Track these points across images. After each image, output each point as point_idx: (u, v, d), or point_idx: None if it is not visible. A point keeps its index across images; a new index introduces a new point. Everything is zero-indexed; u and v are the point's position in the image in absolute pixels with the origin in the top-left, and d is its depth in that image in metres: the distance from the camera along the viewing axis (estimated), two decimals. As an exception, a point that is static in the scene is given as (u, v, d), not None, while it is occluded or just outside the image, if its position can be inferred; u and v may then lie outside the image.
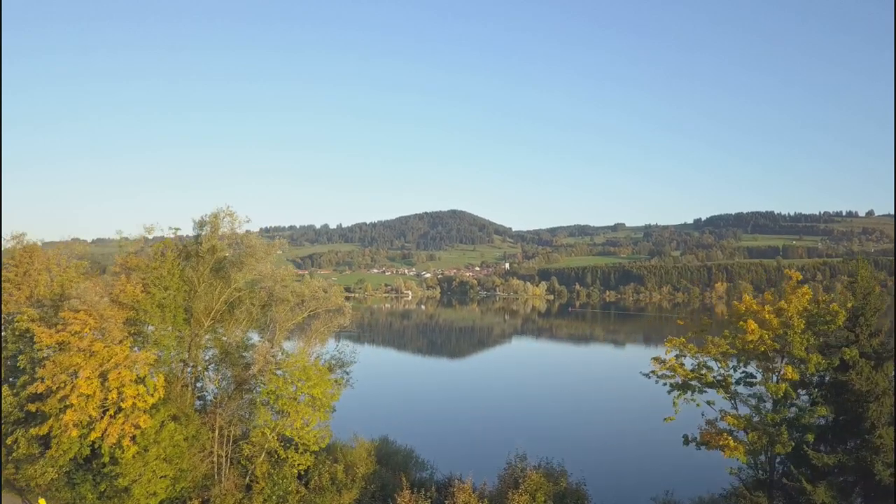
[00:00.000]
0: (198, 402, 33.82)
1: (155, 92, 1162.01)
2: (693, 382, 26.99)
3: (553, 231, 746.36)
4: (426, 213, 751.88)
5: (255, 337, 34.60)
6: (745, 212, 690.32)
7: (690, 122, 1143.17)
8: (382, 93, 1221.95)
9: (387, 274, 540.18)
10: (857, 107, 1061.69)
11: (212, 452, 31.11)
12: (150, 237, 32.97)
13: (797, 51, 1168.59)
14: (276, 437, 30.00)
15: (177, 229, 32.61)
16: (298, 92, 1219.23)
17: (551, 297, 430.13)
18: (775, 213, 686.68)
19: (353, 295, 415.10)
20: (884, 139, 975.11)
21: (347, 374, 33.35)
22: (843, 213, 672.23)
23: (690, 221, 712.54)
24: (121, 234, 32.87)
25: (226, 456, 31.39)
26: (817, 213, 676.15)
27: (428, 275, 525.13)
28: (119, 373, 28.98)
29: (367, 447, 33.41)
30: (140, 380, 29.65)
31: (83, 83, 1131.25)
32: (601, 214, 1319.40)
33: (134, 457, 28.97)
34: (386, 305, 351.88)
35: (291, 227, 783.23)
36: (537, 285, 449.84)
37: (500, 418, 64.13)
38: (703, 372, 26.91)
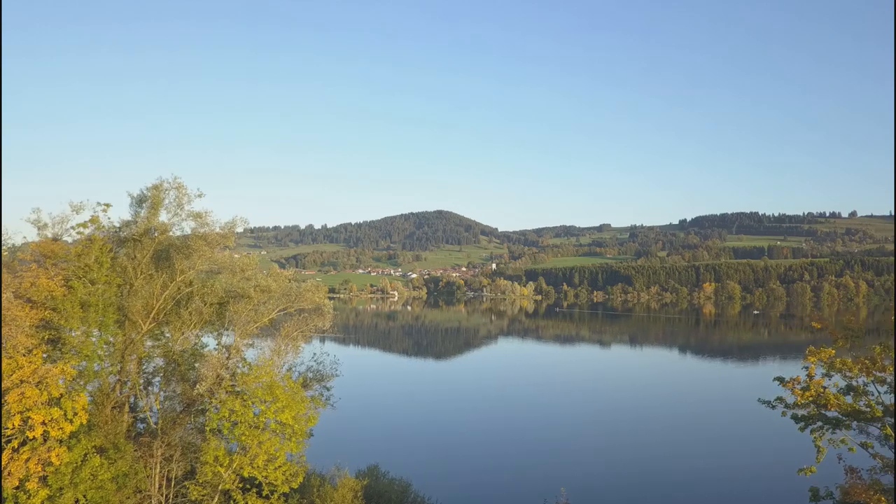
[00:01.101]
0: (136, 428, 26.52)
1: (137, 92, 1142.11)
2: (843, 417, 18.85)
3: (539, 232, 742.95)
4: (412, 213, 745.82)
5: (211, 343, 27.39)
6: (729, 212, 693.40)
7: (676, 123, 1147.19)
8: (368, 93, 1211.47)
9: (372, 274, 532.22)
10: (841, 108, 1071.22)
11: (149, 496, 23.82)
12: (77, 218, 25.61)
13: (783, 51, 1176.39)
14: (233, 477, 22.79)
15: (107, 206, 25.03)
16: (282, 92, 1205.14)
17: (539, 297, 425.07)
18: (760, 213, 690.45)
19: (338, 296, 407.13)
20: (867, 139, 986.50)
21: (328, 389, 26.40)
22: (827, 214, 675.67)
23: (676, 222, 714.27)
24: (37, 213, 25.33)
25: (167, 500, 24.12)
26: (801, 214, 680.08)
27: (414, 275, 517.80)
28: (23, 392, 21.86)
29: (351, 486, 26.19)
30: (55, 401, 22.51)
31: (71, 84, 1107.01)
32: (587, 215, 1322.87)
33: (43, 503, 21.89)
34: (371, 306, 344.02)
35: (276, 228, 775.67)
36: (525, 286, 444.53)
37: (500, 433, 57.40)
38: (862, 400, 18.96)
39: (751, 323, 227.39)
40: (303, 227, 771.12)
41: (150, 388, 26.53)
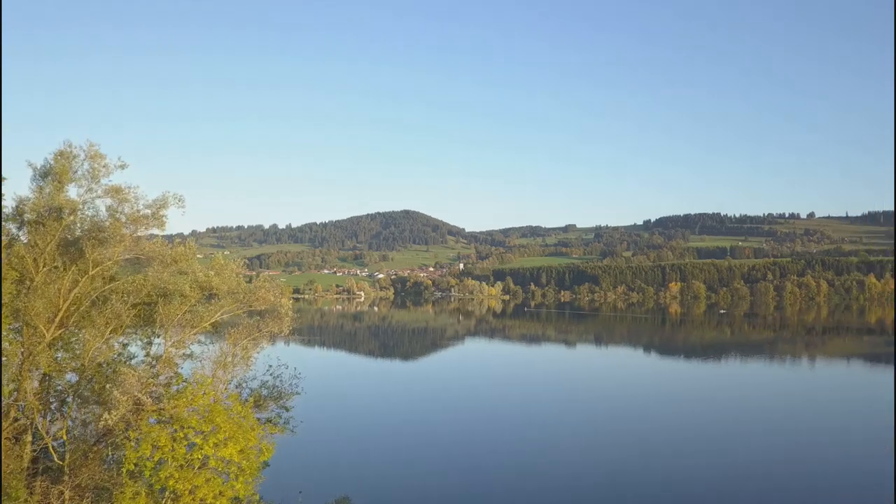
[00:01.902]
0: (44, 462, 20.82)
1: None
2: None
3: (506, 232, 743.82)
4: (378, 213, 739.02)
5: (139, 354, 21.87)
6: (693, 213, 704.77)
7: (640, 122, 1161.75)
8: (333, 93, 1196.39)
9: (338, 275, 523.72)
10: (799, 111, 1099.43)
11: (48, 556, 18.28)
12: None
13: (749, 49, 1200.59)
14: (159, 530, 17.47)
15: (-1, 180, 19.27)
16: (247, 93, 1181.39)
17: (507, 297, 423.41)
18: (722, 214, 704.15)
19: (302, 296, 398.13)
20: (824, 143, 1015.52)
21: (287, 410, 21.26)
22: (786, 215, 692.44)
23: (640, 223, 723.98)
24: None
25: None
26: (762, 215, 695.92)
27: (381, 275, 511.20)
28: None
29: (317, 533, 21.08)
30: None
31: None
32: (552, 215, 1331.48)
33: None
34: (337, 307, 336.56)
35: (239, 228, 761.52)
36: (493, 286, 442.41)
37: (478, 446, 52.71)
38: None
39: (715, 322, 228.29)
40: (266, 226, 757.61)
41: (51, 413, 20.91)
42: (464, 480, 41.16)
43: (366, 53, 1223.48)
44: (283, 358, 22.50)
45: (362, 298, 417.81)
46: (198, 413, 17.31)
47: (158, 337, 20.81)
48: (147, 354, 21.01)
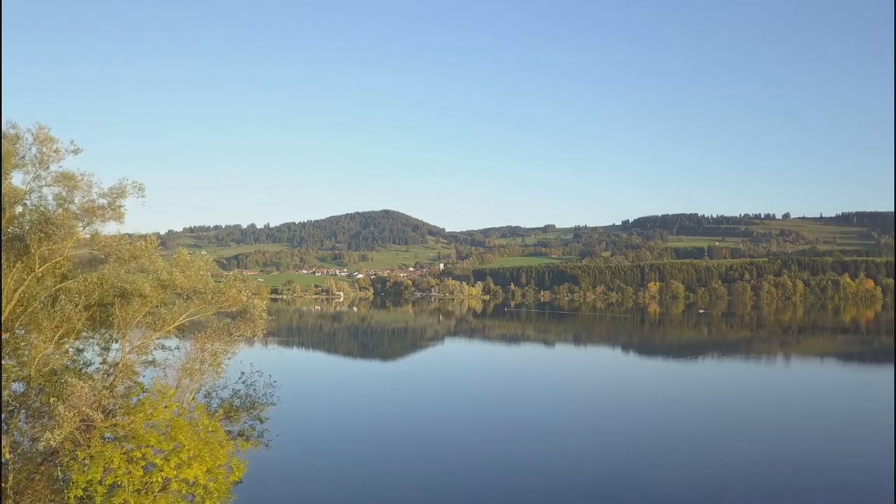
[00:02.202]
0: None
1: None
2: None
3: (486, 232, 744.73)
4: (357, 212, 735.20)
5: (96, 361, 19.70)
6: (670, 214, 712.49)
7: (619, 120, 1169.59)
8: (311, 94, 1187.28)
9: (317, 275, 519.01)
10: (775, 110, 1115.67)
11: None
12: None
13: (731, 50, 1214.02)
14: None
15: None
16: (225, 94, 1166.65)
17: (487, 297, 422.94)
18: (699, 215, 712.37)
19: (281, 296, 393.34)
20: (801, 143, 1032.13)
21: (261, 422, 19.30)
22: (762, 216, 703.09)
23: (619, 223, 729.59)
24: None
25: None
26: (738, 216, 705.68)
27: (360, 275, 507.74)
28: None
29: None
30: None
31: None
32: (532, 215, 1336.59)
33: None
34: (316, 307, 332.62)
35: (217, 227, 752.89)
36: (473, 286, 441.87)
37: (460, 453, 51.01)
38: None
39: (694, 321, 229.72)
40: (245, 226, 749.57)
41: (8, 424, 18.68)
42: (446, 485, 39.39)
43: (343, 55, 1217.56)
44: (257, 364, 20.51)
45: (341, 299, 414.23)
46: (157, 429, 15.28)
47: (117, 342, 18.71)
48: (104, 361, 18.89)
